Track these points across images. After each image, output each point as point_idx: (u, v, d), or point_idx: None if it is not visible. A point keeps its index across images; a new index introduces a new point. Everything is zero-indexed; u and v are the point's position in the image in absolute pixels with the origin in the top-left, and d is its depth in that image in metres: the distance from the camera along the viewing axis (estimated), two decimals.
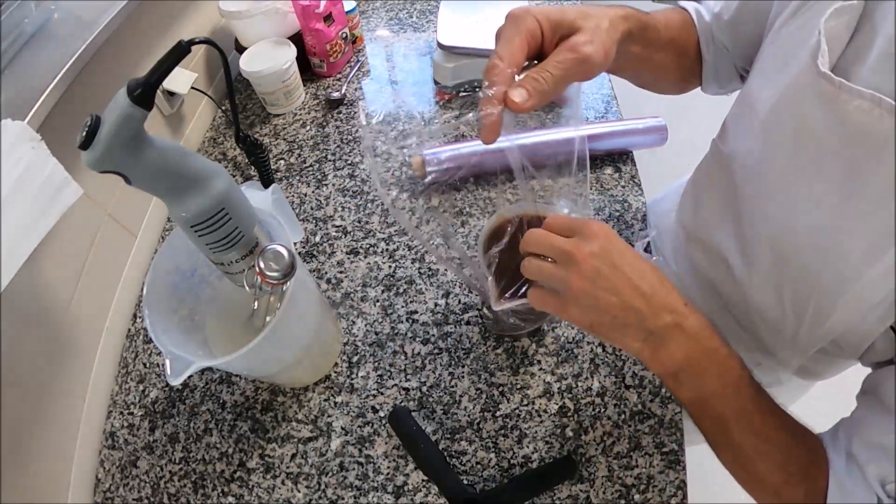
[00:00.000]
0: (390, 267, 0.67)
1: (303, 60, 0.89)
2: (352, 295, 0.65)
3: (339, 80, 0.91)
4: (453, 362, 0.59)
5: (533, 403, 0.56)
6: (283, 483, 0.54)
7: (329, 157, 0.80)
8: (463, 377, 0.58)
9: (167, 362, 0.40)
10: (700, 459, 0.58)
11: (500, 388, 0.57)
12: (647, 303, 0.37)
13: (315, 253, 0.70)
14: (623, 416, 0.54)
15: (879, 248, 0.34)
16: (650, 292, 0.37)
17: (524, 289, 0.46)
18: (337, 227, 0.72)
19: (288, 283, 0.42)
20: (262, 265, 0.41)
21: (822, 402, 0.46)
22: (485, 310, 0.61)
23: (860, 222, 0.35)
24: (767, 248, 0.44)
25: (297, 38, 0.86)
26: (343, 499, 0.52)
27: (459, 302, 0.63)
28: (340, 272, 0.67)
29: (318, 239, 0.71)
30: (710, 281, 0.53)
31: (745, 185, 0.46)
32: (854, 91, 0.32)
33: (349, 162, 0.79)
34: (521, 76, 0.35)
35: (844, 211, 0.36)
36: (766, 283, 0.46)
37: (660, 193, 0.75)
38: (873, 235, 0.35)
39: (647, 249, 0.67)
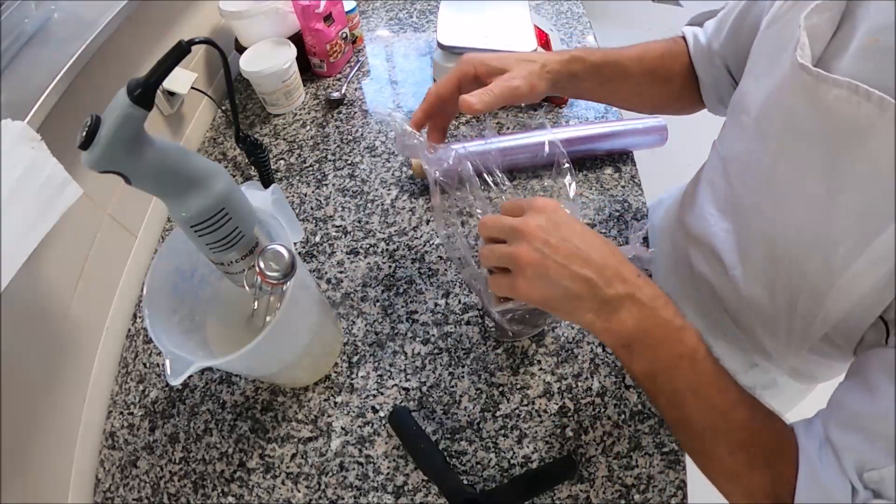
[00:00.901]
0: (390, 267, 0.67)
1: (303, 60, 0.89)
2: (352, 295, 0.65)
3: (339, 80, 0.92)
4: (453, 362, 0.59)
5: (533, 403, 0.56)
6: (283, 483, 0.54)
7: (329, 157, 0.80)
8: (463, 377, 0.58)
9: (167, 362, 0.40)
10: None
11: (500, 388, 0.57)
12: (599, 272, 0.36)
13: (315, 253, 0.70)
14: (623, 416, 0.54)
15: (865, 238, 0.34)
16: (601, 262, 0.37)
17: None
18: (337, 227, 0.72)
19: (288, 283, 0.42)
20: (262, 265, 0.41)
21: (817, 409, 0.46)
22: (487, 319, 0.61)
23: (845, 213, 0.36)
24: (760, 244, 0.45)
25: (297, 38, 0.86)
26: (343, 499, 0.52)
27: (459, 302, 0.63)
28: (340, 272, 0.67)
29: (318, 239, 0.71)
30: (707, 280, 0.53)
31: (740, 183, 0.47)
32: (831, 80, 0.33)
33: (349, 162, 0.79)
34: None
35: (830, 202, 0.36)
36: (759, 280, 0.46)
37: (662, 194, 0.75)
38: (859, 225, 0.35)
39: (645, 240, 0.67)
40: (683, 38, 0.58)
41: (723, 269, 0.50)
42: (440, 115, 0.52)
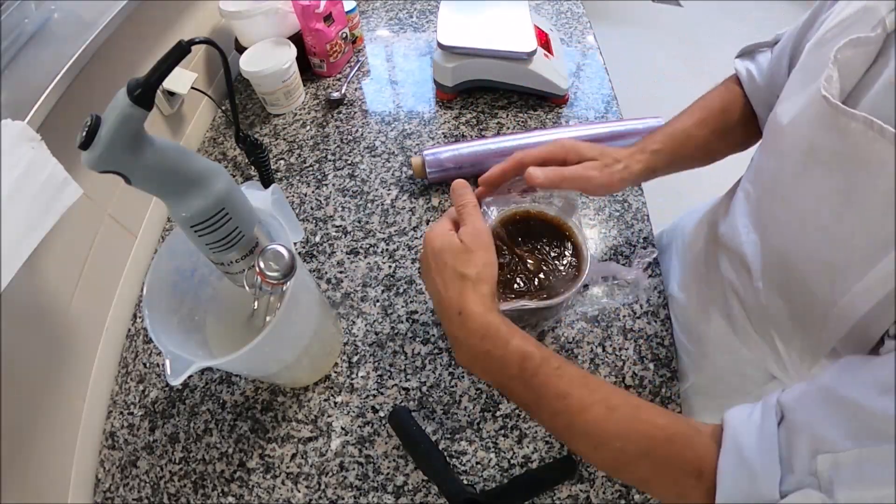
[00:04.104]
0: (390, 267, 0.67)
1: (303, 60, 0.89)
2: (352, 295, 0.65)
3: (339, 80, 0.92)
4: (453, 362, 0.59)
5: None
6: (283, 483, 0.54)
7: (329, 157, 0.80)
8: (463, 377, 0.58)
9: (167, 362, 0.40)
10: None
11: None
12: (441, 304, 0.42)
13: (315, 253, 0.70)
14: None
15: (867, 264, 0.36)
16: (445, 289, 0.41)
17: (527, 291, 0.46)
18: (337, 227, 0.72)
19: (288, 283, 0.42)
20: (262, 265, 0.41)
21: None
22: None
23: (852, 238, 0.37)
24: (777, 258, 0.47)
25: (297, 38, 0.86)
26: (343, 499, 0.52)
27: None
28: (340, 272, 0.67)
29: (318, 239, 0.71)
30: (733, 285, 0.54)
31: (764, 197, 0.49)
32: (849, 114, 0.34)
33: (349, 162, 0.79)
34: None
35: (839, 227, 0.38)
36: (776, 291, 0.48)
37: (697, 205, 0.74)
38: (863, 251, 0.37)
39: (654, 263, 0.65)
40: (737, 76, 0.58)
41: (749, 278, 0.51)
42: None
